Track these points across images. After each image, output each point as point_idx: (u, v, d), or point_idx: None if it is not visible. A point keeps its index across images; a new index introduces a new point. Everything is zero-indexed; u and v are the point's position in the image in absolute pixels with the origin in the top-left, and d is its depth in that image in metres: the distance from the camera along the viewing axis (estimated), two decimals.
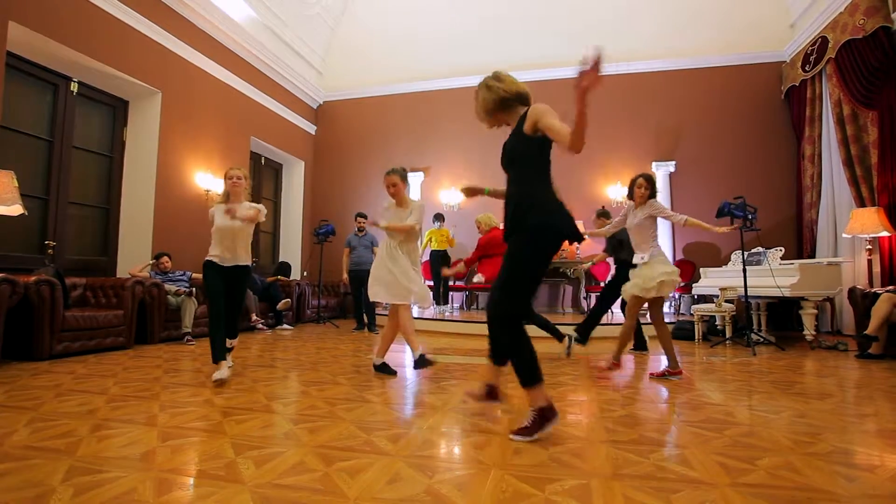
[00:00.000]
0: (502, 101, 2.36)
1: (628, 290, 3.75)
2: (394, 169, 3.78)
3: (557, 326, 4.63)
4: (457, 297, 9.20)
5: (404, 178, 3.79)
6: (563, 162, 8.97)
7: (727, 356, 4.79)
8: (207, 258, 3.51)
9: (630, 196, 3.86)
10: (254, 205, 3.63)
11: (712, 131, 8.11)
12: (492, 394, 2.56)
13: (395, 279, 3.63)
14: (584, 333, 4.77)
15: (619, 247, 4.82)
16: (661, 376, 3.61)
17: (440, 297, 8.07)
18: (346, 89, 9.91)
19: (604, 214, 5.17)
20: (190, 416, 2.46)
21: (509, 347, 2.19)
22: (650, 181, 3.77)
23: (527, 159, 2.27)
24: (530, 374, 2.15)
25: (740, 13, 7.91)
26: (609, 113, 8.57)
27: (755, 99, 8.00)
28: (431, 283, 8.36)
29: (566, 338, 4.59)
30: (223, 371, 3.29)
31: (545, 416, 2.14)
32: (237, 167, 3.70)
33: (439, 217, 8.11)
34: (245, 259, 3.61)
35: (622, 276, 4.54)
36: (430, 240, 8.06)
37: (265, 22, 7.92)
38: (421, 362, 3.55)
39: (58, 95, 5.40)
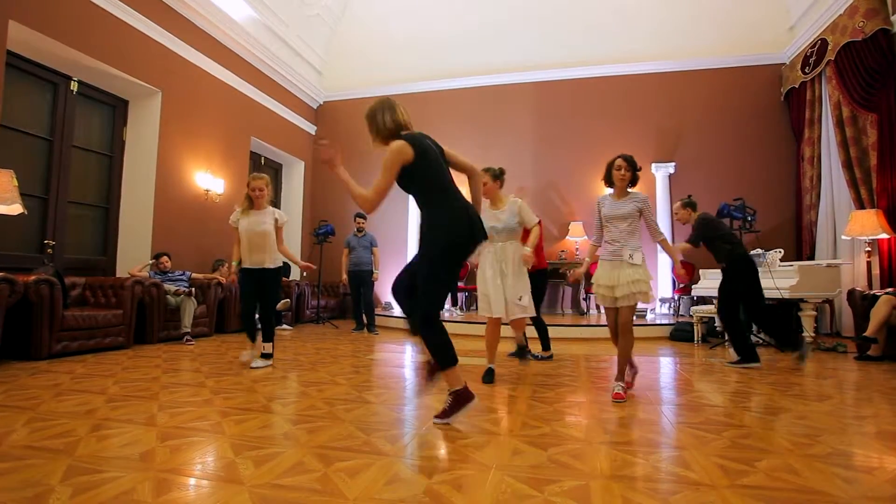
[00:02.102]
0: (380, 139, 2.61)
1: (631, 298, 2.98)
2: (487, 167, 3.66)
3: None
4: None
5: (496, 177, 3.69)
6: (562, 162, 9.03)
7: (726, 358, 4.79)
8: (241, 265, 4.04)
9: (608, 182, 3.24)
10: (276, 211, 4.09)
11: (712, 133, 8.12)
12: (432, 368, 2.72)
13: (503, 294, 3.47)
14: None
15: None
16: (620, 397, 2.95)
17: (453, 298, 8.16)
18: (347, 89, 9.91)
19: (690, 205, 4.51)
20: (189, 416, 2.46)
21: (428, 338, 2.44)
22: (631, 162, 3.15)
23: (408, 188, 2.49)
24: (445, 358, 2.40)
25: (740, 15, 7.92)
26: (609, 114, 8.59)
27: (755, 101, 8.01)
28: None
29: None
30: (246, 354, 4.01)
31: (460, 398, 2.37)
32: (259, 175, 4.02)
33: None
34: (270, 262, 4.01)
35: None
36: None
37: (266, 22, 7.92)
38: (488, 376, 3.52)
39: (58, 94, 5.40)
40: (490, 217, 3.57)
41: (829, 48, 6.47)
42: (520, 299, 3.45)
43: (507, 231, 3.57)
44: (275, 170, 9.48)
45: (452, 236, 2.40)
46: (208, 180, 6.90)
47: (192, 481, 1.67)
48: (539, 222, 3.75)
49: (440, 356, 2.42)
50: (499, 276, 3.51)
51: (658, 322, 6.86)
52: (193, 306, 5.44)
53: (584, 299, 8.37)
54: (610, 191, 3.28)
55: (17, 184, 4.19)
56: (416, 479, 1.71)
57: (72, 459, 1.81)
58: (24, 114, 5.07)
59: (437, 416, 2.40)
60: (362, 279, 6.77)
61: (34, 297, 3.97)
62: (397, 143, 2.38)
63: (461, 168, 2.75)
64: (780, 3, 7.68)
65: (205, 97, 6.99)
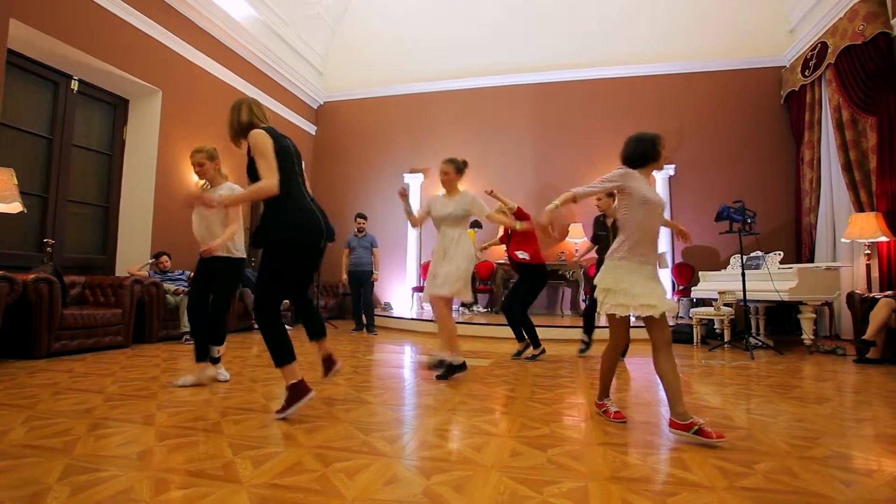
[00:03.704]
0: (235, 134, 2.64)
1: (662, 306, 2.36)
2: (450, 158, 3.90)
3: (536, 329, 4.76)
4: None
5: (458, 169, 3.86)
6: (561, 164, 9.03)
7: (725, 360, 4.79)
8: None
9: (656, 160, 2.69)
10: (229, 187, 3.32)
11: (712, 135, 8.13)
12: (328, 361, 2.86)
13: (436, 272, 3.69)
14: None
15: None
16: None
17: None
18: (347, 90, 9.92)
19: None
20: (188, 415, 2.45)
21: (266, 335, 2.48)
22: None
23: (255, 178, 2.47)
24: (282, 355, 2.45)
25: (740, 18, 7.93)
26: (608, 116, 8.59)
27: (755, 103, 8.02)
28: None
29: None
30: (189, 378, 3.13)
31: (297, 392, 2.42)
32: (199, 148, 3.35)
33: (475, 224, 8.01)
34: (223, 250, 3.25)
35: None
36: None
37: (266, 21, 7.92)
38: (448, 371, 3.57)
39: (58, 93, 5.39)
40: (441, 204, 3.82)
41: (830, 51, 6.47)
42: (442, 279, 3.62)
43: (453, 218, 3.76)
44: None
45: (299, 234, 2.44)
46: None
47: (190, 481, 1.67)
48: (528, 217, 4.07)
49: (275, 352, 2.45)
50: (437, 260, 3.74)
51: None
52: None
53: (584, 300, 8.36)
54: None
55: (16, 182, 4.19)
56: (415, 479, 1.71)
57: (70, 458, 1.80)
58: (25, 112, 5.07)
59: (276, 412, 2.43)
60: (362, 279, 6.77)
61: (33, 296, 3.96)
62: (257, 131, 2.44)
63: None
64: (780, 6, 7.69)
65: (205, 96, 6.99)
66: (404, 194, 3.81)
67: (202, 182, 3.49)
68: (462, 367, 3.59)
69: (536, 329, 4.72)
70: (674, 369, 2.33)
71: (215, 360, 3.33)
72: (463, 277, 3.62)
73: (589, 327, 4.94)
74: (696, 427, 2.15)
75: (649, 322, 2.37)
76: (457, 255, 3.65)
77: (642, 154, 2.58)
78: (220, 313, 3.34)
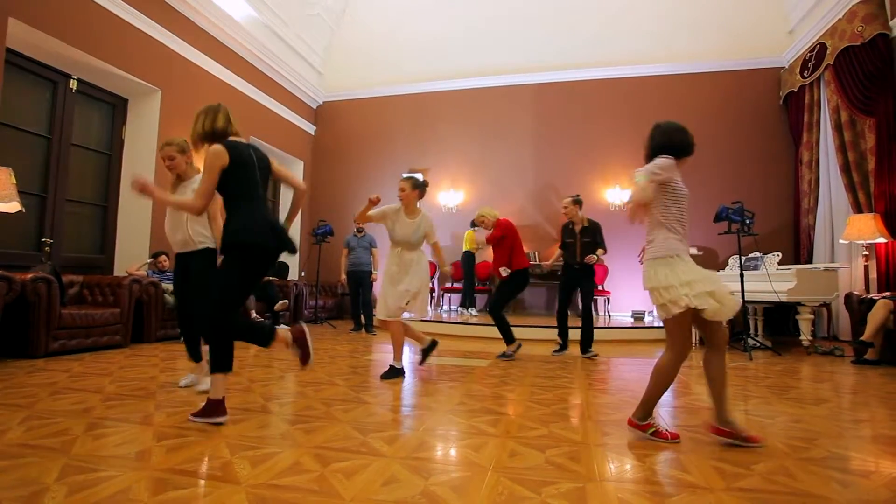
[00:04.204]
0: (197, 140, 2.60)
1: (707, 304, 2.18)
2: (408, 175, 3.96)
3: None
4: (455, 300, 9.20)
5: (416, 187, 3.84)
6: (562, 164, 9.04)
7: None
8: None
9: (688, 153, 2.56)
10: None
11: (710, 136, 8.12)
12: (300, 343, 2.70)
13: (400, 297, 3.75)
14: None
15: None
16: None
17: (467, 299, 8.19)
18: (346, 90, 9.92)
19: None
20: (186, 415, 2.45)
21: (214, 339, 2.46)
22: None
23: (220, 190, 2.48)
24: (223, 362, 2.43)
25: (739, 19, 7.93)
26: (608, 116, 8.60)
27: (754, 104, 8.03)
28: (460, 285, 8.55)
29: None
30: (190, 377, 3.15)
31: (215, 410, 2.35)
32: (169, 140, 3.22)
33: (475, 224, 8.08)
34: (195, 243, 3.09)
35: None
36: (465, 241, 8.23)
37: (266, 21, 7.91)
38: (390, 373, 3.70)
39: (57, 92, 5.38)
40: (403, 225, 3.80)
41: (828, 52, 6.48)
42: (406, 303, 3.76)
43: (415, 242, 3.81)
44: None
45: (255, 238, 2.42)
46: None
47: (188, 481, 1.67)
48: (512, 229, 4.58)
49: (218, 358, 2.42)
50: (395, 280, 3.77)
51: (656, 325, 6.86)
52: None
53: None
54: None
55: (15, 181, 4.18)
56: (413, 480, 1.71)
57: (68, 458, 1.80)
58: (24, 111, 5.06)
59: (192, 414, 2.40)
60: (361, 280, 6.77)
61: (31, 296, 3.96)
62: (215, 147, 2.42)
63: (289, 183, 2.90)
64: (779, 7, 7.70)
65: (204, 96, 6.97)
66: (375, 202, 3.74)
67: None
68: (402, 371, 3.77)
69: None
70: (725, 374, 2.26)
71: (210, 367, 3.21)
72: (426, 299, 3.90)
73: (563, 329, 5.08)
74: (744, 436, 2.13)
75: (705, 320, 2.20)
76: (416, 278, 3.78)
77: (687, 145, 2.42)
78: (203, 309, 3.16)
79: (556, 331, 5.10)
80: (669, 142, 2.36)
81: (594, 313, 8.31)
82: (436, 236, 3.91)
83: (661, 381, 2.32)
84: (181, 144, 3.18)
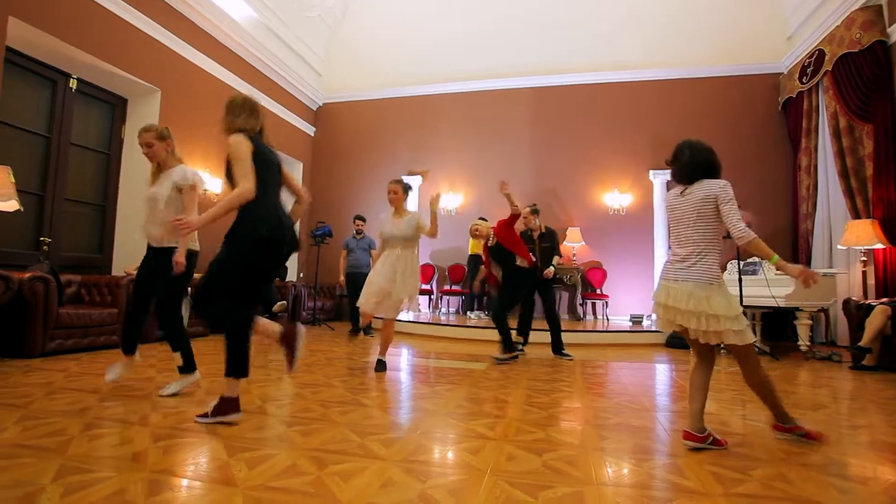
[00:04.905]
0: (227, 130, 2.58)
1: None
2: (398, 179, 4.11)
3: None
4: (454, 302, 9.19)
5: (406, 190, 4.08)
6: (561, 168, 9.05)
7: (721, 365, 4.80)
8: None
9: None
10: (180, 170, 3.04)
11: (709, 140, 7.86)
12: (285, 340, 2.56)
13: (388, 294, 3.91)
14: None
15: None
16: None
17: (473, 302, 8.27)
18: (346, 91, 9.93)
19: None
20: (183, 416, 2.44)
21: (231, 341, 2.40)
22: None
23: (234, 180, 2.46)
24: (238, 366, 2.38)
25: (739, 24, 7.97)
26: (607, 120, 8.62)
27: (752, 109, 8.06)
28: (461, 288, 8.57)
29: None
30: (116, 368, 2.98)
31: (227, 405, 2.34)
32: (146, 126, 3.05)
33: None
34: (168, 240, 2.99)
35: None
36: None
37: (266, 22, 7.92)
38: (381, 366, 3.98)
39: (56, 91, 5.38)
40: (391, 224, 4.02)
41: (827, 59, 6.51)
42: (403, 299, 3.95)
43: (404, 239, 3.99)
44: None
45: (265, 233, 2.41)
46: (206, 179, 6.89)
47: (184, 482, 1.66)
48: (512, 215, 4.58)
49: (234, 362, 2.38)
50: (388, 278, 3.92)
51: (654, 329, 6.86)
52: (189, 306, 5.41)
53: (581, 304, 8.38)
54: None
55: (13, 180, 4.17)
56: (411, 483, 1.71)
57: (63, 459, 1.79)
58: (23, 110, 5.05)
59: (198, 415, 2.36)
60: (360, 281, 6.71)
61: (29, 295, 3.94)
62: (237, 136, 2.45)
63: (293, 189, 2.87)
64: (778, 13, 7.74)
65: (204, 96, 6.98)
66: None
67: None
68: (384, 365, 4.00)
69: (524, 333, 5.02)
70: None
71: (182, 370, 2.99)
72: (416, 295, 4.09)
73: (525, 329, 5.29)
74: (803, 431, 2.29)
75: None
76: (409, 276, 3.96)
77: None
78: (170, 313, 3.04)
79: (546, 334, 5.08)
80: (717, 162, 2.39)
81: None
82: (426, 226, 4.02)
83: (770, 389, 2.38)
84: (160, 131, 3.03)
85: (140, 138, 3.02)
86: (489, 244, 4.94)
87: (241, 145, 2.42)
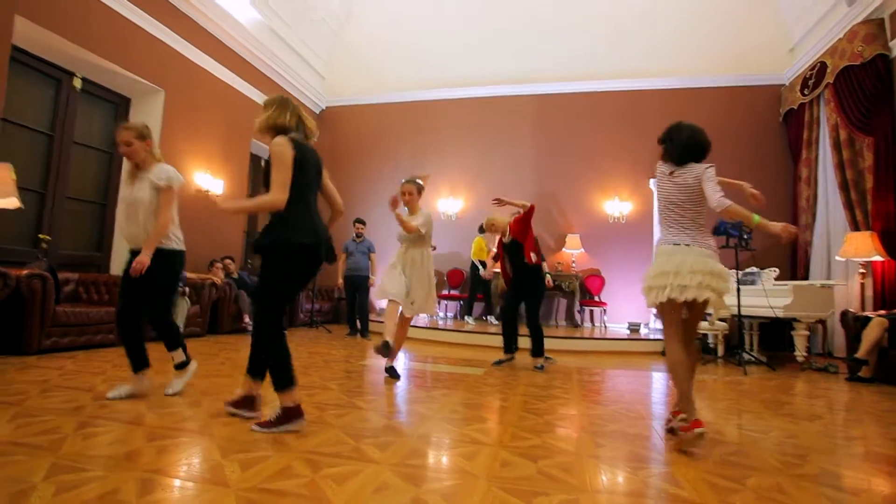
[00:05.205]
0: (267, 128, 2.51)
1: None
2: (412, 179, 4.02)
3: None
4: (452, 307, 9.18)
5: (420, 190, 4.04)
6: (562, 175, 9.06)
7: (718, 374, 4.80)
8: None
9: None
10: (159, 169, 2.92)
11: (710, 150, 8.17)
12: (247, 402, 2.54)
13: (402, 289, 3.82)
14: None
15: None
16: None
17: (469, 307, 8.21)
18: (349, 95, 9.96)
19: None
20: (177, 416, 2.44)
21: (269, 351, 2.40)
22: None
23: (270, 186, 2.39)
24: (283, 378, 2.34)
25: (741, 35, 8.00)
26: (609, 128, 8.64)
27: (753, 120, 8.08)
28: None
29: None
30: (123, 388, 2.78)
31: (290, 414, 2.30)
32: (126, 125, 2.94)
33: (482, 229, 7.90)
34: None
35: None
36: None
37: (270, 25, 7.96)
38: (393, 373, 3.90)
39: (60, 90, 5.40)
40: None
41: (828, 71, 6.54)
42: (412, 303, 3.88)
43: (417, 238, 3.92)
44: None
45: (299, 243, 2.35)
46: (207, 180, 6.90)
47: (177, 483, 1.66)
48: (531, 207, 4.62)
49: (279, 374, 2.34)
50: (402, 275, 3.89)
51: (651, 337, 6.86)
52: (187, 306, 5.41)
53: (579, 311, 8.37)
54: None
55: (14, 178, 4.17)
56: (405, 487, 1.70)
57: (56, 457, 1.79)
58: (27, 108, 5.07)
59: (258, 424, 2.31)
60: (358, 284, 6.76)
61: (26, 292, 3.94)
62: (279, 140, 2.37)
63: (330, 199, 2.81)
64: (781, 25, 7.78)
65: (207, 98, 7.01)
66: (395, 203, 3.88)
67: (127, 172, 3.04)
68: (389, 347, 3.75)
69: (524, 337, 4.92)
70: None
71: (181, 366, 2.98)
72: (435, 297, 4.03)
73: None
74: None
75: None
76: (426, 276, 3.93)
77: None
78: (164, 314, 2.99)
79: (547, 341, 5.05)
80: (705, 147, 2.56)
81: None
82: (423, 229, 3.91)
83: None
84: (140, 129, 2.92)
85: (119, 136, 2.88)
86: (504, 240, 4.86)
87: (285, 150, 2.34)
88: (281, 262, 2.37)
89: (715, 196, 2.34)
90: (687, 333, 2.47)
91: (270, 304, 2.41)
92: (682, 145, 2.49)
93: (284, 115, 2.49)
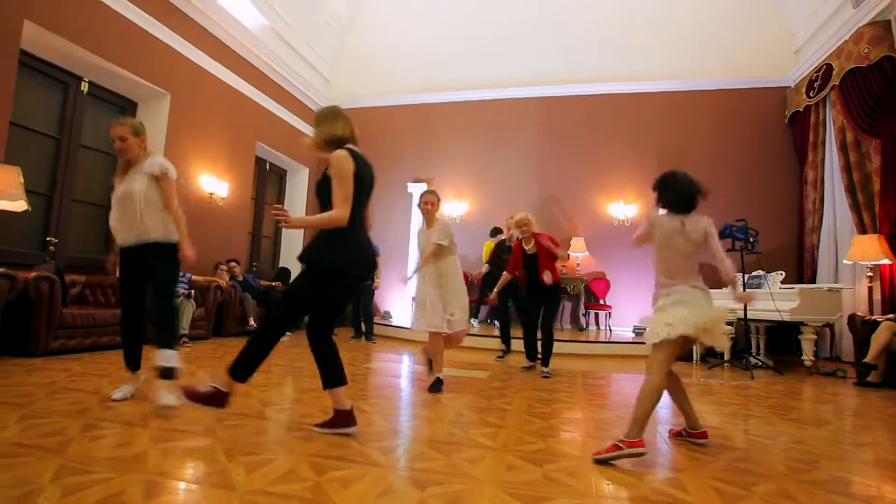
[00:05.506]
0: (324, 142, 2.47)
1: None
2: (433, 190, 3.86)
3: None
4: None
5: (439, 199, 3.90)
6: (565, 177, 9.04)
7: (725, 379, 4.77)
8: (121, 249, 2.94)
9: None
10: (153, 161, 2.91)
11: (715, 153, 8.15)
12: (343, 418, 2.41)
13: (440, 309, 3.69)
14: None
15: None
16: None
17: (475, 311, 8.14)
18: (353, 98, 9.98)
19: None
20: (183, 419, 2.44)
21: (319, 355, 2.42)
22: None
23: (324, 201, 2.37)
24: (334, 376, 2.37)
25: (746, 38, 7.98)
26: (613, 131, 8.63)
27: (759, 122, 8.05)
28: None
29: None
30: (125, 389, 2.80)
31: (343, 419, 2.32)
32: (121, 120, 2.91)
33: (496, 231, 7.70)
34: (156, 233, 2.82)
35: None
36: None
37: (275, 28, 8.00)
38: (435, 385, 3.61)
39: (68, 94, 5.44)
40: (424, 236, 3.84)
41: (834, 73, 6.51)
42: (451, 315, 3.69)
43: (441, 250, 3.77)
44: (279, 175, 9.52)
45: (345, 264, 2.32)
46: (213, 183, 6.93)
47: (182, 485, 1.66)
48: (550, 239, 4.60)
49: (328, 373, 2.38)
50: (436, 289, 3.73)
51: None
52: (192, 308, 5.43)
53: (584, 315, 8.34)
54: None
55: (22, 180, 4.21)
56: (410, 491, 1.70)
57: (63, 459, 1.80)
58: (35, 112, 5.11)
59: (317, 424, 2.38)
60: (362, 287, 6.76)
61: (34, 294, 3.97)
62: (343, 153, 2.34)
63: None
64: (786, 26, 7.75)
65: (212, 101, 7.05)
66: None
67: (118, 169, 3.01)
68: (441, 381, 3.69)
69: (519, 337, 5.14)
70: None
71: (166, 374, 2.69)
72: (465, 309, 3.83)
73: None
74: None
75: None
76: (458, 289, 3.78)
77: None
78: (168, 306, 2.85)
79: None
80: (697, 196, 2.63)
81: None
82: (446, 241, 3.76)
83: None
84: (136, 126, 2.87)
85: (113, 131, 2.80)
86: (527, 250, 4.72)
87: (346, 164, 2.30)
88: (317, 279, 2.33)
89: (728, 262, 2.50)
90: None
91: (292, 308, 2.38)
92: (686, 194, 2.58)
93: (339, 126, 2.47)
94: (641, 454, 2.10)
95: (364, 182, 2.43)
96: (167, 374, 2.70)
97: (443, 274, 3.76)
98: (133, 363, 2.90)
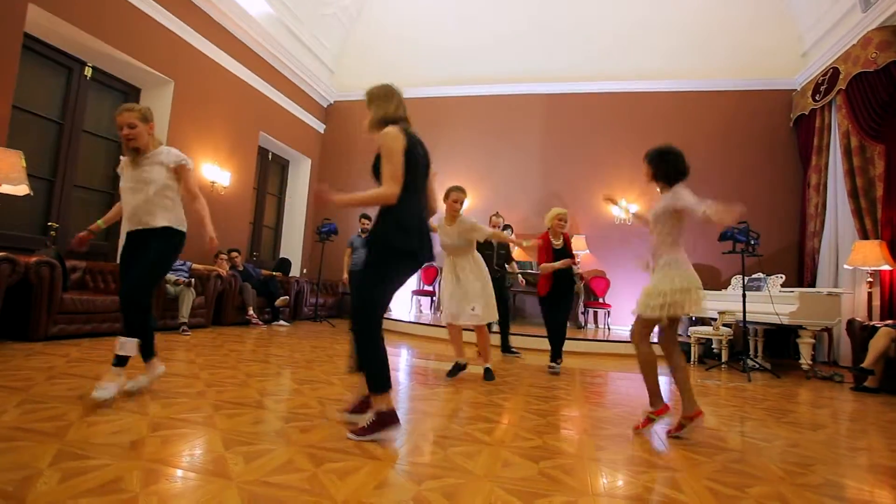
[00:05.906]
0: (378, 122, 2.46)
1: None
2: (460, 186, 3.90)
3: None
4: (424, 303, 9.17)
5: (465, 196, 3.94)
6: (569, 175, 9.02)
7: (722, 380, 4.78)
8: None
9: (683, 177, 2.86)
10: (167, 151, 2.84)
11: (719, 154, 8.13)
12: (365, 405, 2.39)
13: (459, 303, 3.84)
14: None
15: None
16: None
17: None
18: (358, 90, 9.91)
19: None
20: (181, 407, 2.45)
21: (363, 351, 2.28)
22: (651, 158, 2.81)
23: (380, 179, 2.35)
24: (379, 380, 2.21)
25: (753, 39, 7.95)
26: (617, 129, 8.61)
27: (764, 125, 8.03)
28: None
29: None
30: (138, 379, 2.68)
31: (384, 420, 2.16)
32: (128, 106, 2.79)
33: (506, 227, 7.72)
34: (159, 220, 2.70)
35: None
36: None
37: (281, 18, 7.96)
38: (488, 375, 3.88)
39: (71, 79, 5.42)
40: (445, 233, 3.89)
41: (841, 77, 6.48)
42: (472, 309, 3.79)
43: (461, 248, 3.89)
44: (281, 166, 9.51)
45: (405, 245, 2.26)
46: (215, 172, 6.92)
47: (180, 473, 1.67)
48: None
49: (374, 375, 2.21)
50: (455, 289, 3.86)
51: (654, 341, 6.83)
52: (192, 297, 5.44)
53: (583, 313, 8.35)
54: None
55: (24, 165, 4.20)
56: (406, 484, 1.71)
57: (61, 444, 1.80)
58: (38, 96, 5.10)
59: (353, 432, 2.17)
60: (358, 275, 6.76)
61: (34, 279, 3.97)
62: (393, 129, 2.29)
63: (429, 196, 2.65)
64: (793, 29, 7.71)
65: (216, 89, 7.02)
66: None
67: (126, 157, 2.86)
68: (464, 366, 3.98)
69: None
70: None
71: (121, 361, 2.54)
72: (492, 304, 3.91)
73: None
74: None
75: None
76: (483, 281, 3.86)
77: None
78: (145, 292, 2.64)
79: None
80: (681, 169, 2.76)
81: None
82: (485, 228, 3.85)
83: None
84: (144, 112, 2.77)
85: (121, 118, 2.70)
86: (555, 245, 4.67)
87: (397, 141, 2.25)
88: (381, 260, 2.27)
89: (700, 205, 2.44)
90: (673, 336, 2.83)
91: (370, 300, 2.24)
92: (673, 169, 2.74)
93: (392, 105, 2.44)
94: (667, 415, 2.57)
95: (419, 161, 2.37)
96: (120, 361, 2.55)
97: (463, 269, 3.86)
98: (143, 353, 2.72)
